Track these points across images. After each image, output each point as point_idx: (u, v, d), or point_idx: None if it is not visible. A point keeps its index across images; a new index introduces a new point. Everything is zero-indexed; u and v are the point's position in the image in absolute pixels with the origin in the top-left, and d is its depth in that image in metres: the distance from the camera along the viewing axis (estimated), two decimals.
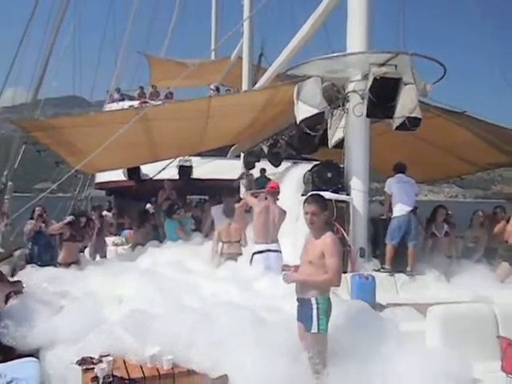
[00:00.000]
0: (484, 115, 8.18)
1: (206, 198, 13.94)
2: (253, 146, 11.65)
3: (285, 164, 10.64)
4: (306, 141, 8.31)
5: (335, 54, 6.85)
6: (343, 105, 7.43)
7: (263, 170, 11.86)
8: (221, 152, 13.11)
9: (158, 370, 3.98)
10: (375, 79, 6.43)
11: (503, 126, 8.12)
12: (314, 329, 3.66)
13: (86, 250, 9.06)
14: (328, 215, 3.91)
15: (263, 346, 3.86)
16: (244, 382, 3.65)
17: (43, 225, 8.39)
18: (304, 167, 8.28)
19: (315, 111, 6.99)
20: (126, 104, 14.73)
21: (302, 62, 7.16)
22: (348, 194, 7.17)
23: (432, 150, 9.41)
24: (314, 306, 3.69)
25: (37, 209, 8.56)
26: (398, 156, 7.81)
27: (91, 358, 4.11)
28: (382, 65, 6.52)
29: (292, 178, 8.81)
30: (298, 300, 3.90)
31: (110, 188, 15.72)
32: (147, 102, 13.11)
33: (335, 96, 7.43)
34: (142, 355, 4.14)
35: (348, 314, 4.27)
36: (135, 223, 9.70)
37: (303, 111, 7.10)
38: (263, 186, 8.28)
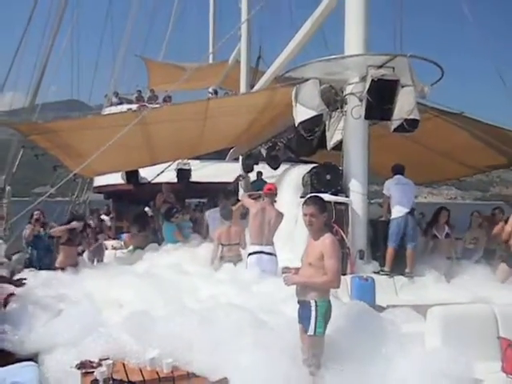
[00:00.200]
0: (486, 117, 8.21)
1: (205, 201, 13.94)
2: (251, 148, 11.65)
3: (283, 167, 10.64)
4: (305, 143, 8.30)
5: (333, 57, 6.84)
6: (341, 107, 7.45)
7: (259, 173, 11.87)
8: (219, 155, 13.13)
9: (157, 373, 3.98)
10: (373, 81, 6.43)
11: (500, 127, 8.14)
12: (311, 331, 3.65)
13: (85, 254, 9.03)
14: (327, 217, 3.89)
15: (262, 348, 3.85)
16: None
17: (41, 229, 8.39)
18: (303, 169, 8.27)
19: (313, 113, 6.99)
20: (125, 107, 14.76)
21: (300, 64, 7.15)
22: (347, 196, 7.17)
23: (430, 152, 9.43)
24: (313, 309, 3.67)
25: (35, 213, 8.55)
26: (396, 158, 7.81)
27: (91, 361, 4.11)
28: (380, 67, 6.53)
29: (291, 181, 8.81)
30: (298, 302, 3.90)
31: (109, 192, 15.71)
32: (145, 106, 13.12)
33: (333, 98, 7.45)
34: (141, 358, 4.13)
35: (348, 315, 4.26)
36: (136, 227, 9.66)
37: (301, 113, 7.10)
38: (260, 188, 8.27)
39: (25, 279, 5.79)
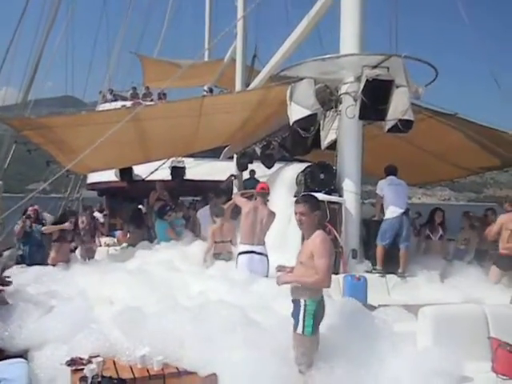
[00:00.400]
0: (480, 118, 8.25)
1: (199, 199, 13.92)
2: (246, 147, 11.63)
3: (278, 165, 10.63)
4: (299, 142, 8.29)
5: (328, 56, 6.84)
6: (336, 106, 7.46)
7: (252, 172, 11.85)
8: (214, 153, 13.12)
9: (148, 370, 3.96)
10: (368, 81, 6.44)
11: (494, 128, 8.17)
12: (299, 330, 3.64)
13: (77, 251, 8.98)
14: (319, 216, 3.87)
15: (252, 344, 3.85)
16: (233, 380, 3.63)
17: (34, 225, 8.33)
18: (296, 168, 8.27)
19: (308, 112, 6.98)
20: (119, 104, 14.69)
21: (295, 63, 7.15)
22: (340, 196, 7.18)
23: (424, 153, 9.45)
24: (302, 308, 3.66)
25: (29, 209, 8.51)
26: (390, 159, 7.82)
27: (81, 358, 4.08)
28: (375, 67, 6.54)
29: (284, 180, 8.80)
30: (292, 301, 3.89)
31: (102, 188, 15.63)
32: (140, 103, 13.07)
33: (328, 98, 7.46)
34: (132, 356, 4.11)
35: (340, 312, 4.26)
36: (132, 225, 9.61)
37: (296, 112, 7.09)
38: (252, 187, 8.26)
39: (9, 277, 5.72)
